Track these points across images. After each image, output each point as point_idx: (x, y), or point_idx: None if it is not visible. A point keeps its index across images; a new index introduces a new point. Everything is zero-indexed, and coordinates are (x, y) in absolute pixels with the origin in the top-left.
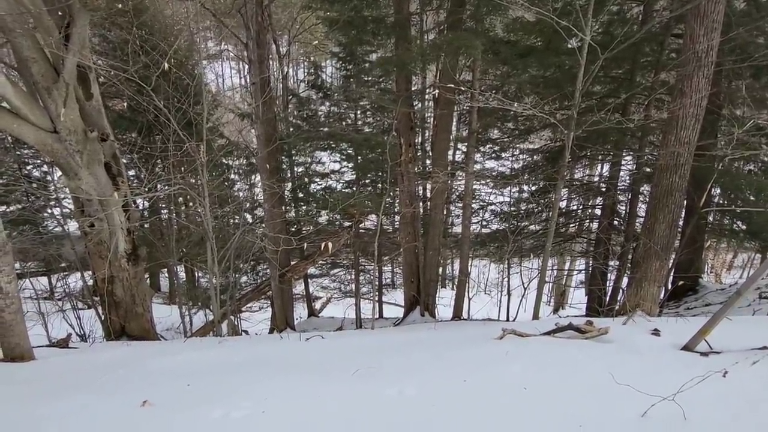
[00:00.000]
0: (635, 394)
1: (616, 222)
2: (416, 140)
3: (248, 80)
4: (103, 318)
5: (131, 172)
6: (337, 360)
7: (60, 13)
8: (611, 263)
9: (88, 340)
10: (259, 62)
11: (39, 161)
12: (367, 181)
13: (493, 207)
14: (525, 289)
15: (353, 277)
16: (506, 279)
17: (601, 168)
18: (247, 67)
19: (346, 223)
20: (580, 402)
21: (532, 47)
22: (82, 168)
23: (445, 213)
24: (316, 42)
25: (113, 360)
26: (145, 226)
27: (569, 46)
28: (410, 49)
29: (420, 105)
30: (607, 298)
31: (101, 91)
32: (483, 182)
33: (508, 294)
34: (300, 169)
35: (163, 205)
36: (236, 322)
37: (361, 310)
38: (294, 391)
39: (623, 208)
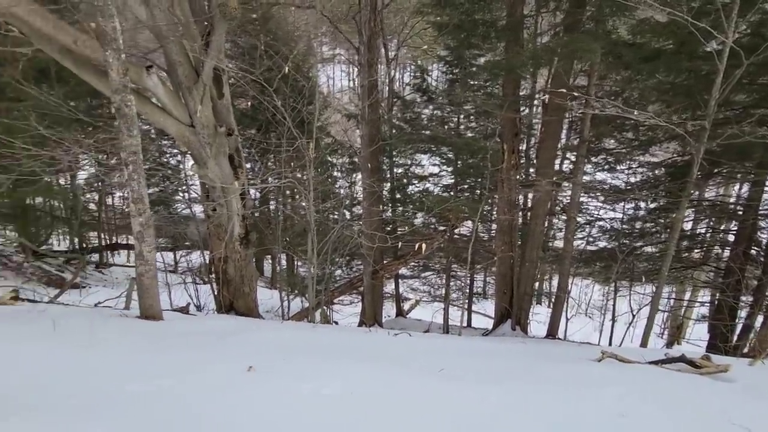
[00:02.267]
0: None
1: (753, 251)
2: (520, 147)
3: (357, 83)
4: (216, 293)
5: (248, 165)
6: (422, 358)
7: (205, 23)
8: (743, 298)
9: (202, 310)
10: (369, 66)
11: (174, 151)
12: (464, 186)
13: (602, 223)
14: (633, 316)
15: (444, 281)
16: (612, 303)
17: (739, 188)
18: (357, 70)
19: (441, 227)
20: None
21: (661, 50)
22: (210, 158)
23: (546, 225)
24: (425, 46)
25: (225, 329)
26: (256, 214)
27: (707, 49)
28: (521, 53)
29: (526, 110)
30: (735, 337)
31: (230, 91)
32: (592, 195)
33: (613, 319)
34: (399, 170)
35: (272, 197)
36: (328, 313)
37: (449, 316)
38: (380, 379)
39: (764, 235)
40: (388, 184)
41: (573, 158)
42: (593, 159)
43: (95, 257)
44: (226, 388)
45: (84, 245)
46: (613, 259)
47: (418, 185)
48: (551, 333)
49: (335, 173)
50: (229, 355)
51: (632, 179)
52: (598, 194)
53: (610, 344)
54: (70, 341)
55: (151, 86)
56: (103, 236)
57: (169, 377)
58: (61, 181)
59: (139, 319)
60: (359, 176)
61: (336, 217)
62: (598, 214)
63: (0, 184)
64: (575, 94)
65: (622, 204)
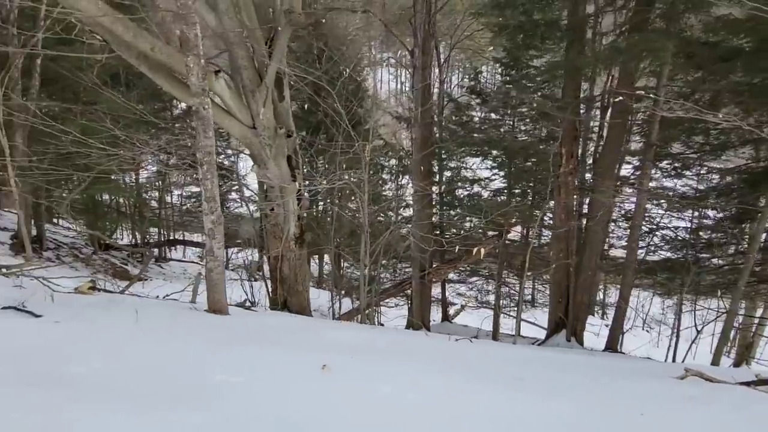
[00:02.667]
0: None
1: None
2: (579, 151)
3: (408, 85)
4: (270, 291)
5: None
6: (495, 365)
7: (270, 29)
8: None
9: (256, 306)
10: (422, 68)
11: (229, 152)
12: (516, 190)
13: (665, 231)
14: (698, 332)
15: (492, 288)
16: (677, 317)
17: None
18: (410, 72)
19: (490, 233)
20: None
21: (739, 49)
22: (269, 159)
23: (605, 232)
24: (482, 48)
25: (289, 326)
26: (313, 214)
27: None
28: (586, 53)
29: (586, 113)
30: None
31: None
32: (656, 202)
33: (677, 334)
34: (449, 174)
35: (320, 198)
36: (375, 314)
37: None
38: (458, 387)
39: None
40: (436, 188)
41: (636, 163)
42: (658, 164)
43: (155, 252)
44: (307, 385)
45: (145, 240)
46: (677, 271)
47: (467, 189)
48: (611, 346)
49: (384, 175)
50: (301, 352)
51: (701, 186)
52: (663, 201)
53: (673, 361)
54: (153, 331)
55: (219, 90)
56: (162, 232)
57: (252, 370)
58: (126, 179)
59: (207, 313)
60: (406, 179)
61: (383, 219)
62: (661, 222)
63: (82, 182)
64: (644, 94)
65: (689, 212)
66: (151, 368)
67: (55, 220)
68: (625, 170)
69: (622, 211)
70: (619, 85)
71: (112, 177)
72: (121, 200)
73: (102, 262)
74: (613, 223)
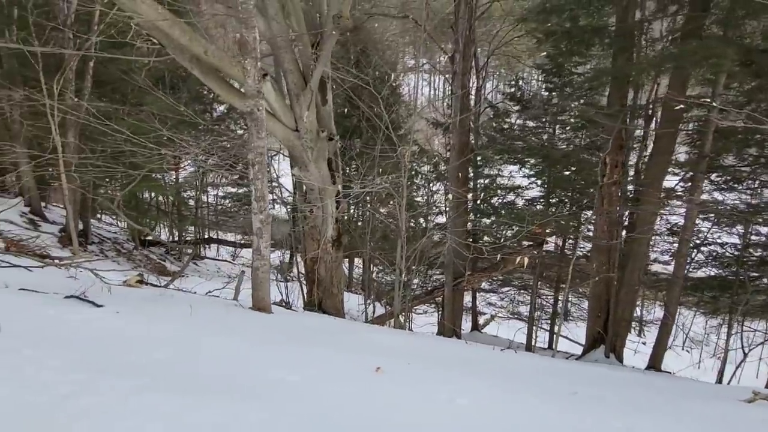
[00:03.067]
0: None
1: None
2: (625, 160)
3: (443, 91)
4: (306, 292)
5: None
6: (545, 378)
7: (317, 33)
8: None
9: (291, 306)
10: (462, 74)
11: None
12: (553, 199)
13: (713, 247)
14: (745, 354)
15: (523, 298)
16: (725, 338)
17: None
18: (446, 78)
19: (525, 242)
20: None
21: None
22: (310, 162)
23: (649, 246)
24: (520, 54)
25: (332, 327)
26: (347, 216)
27: None
28: (638, 60)
29: (631, 121)
30: None
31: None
32: (705, 216)
33: (725, 356)
34: (485, 181)
35: (351, 202)
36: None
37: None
38: (512, 398)
39: None
40: (471, 194)
41: (681, 174)
42: (708, 176)
43: (189, 250)
44: (361, 387)
45: (183, 238)
46: (725, 289)
47: (503, 197)
48: (653, 365)
49: (417, 181)
50: (352, 354)
51: (753, 201)
52: (712, 215)
53: (719, 383)
54: (207, 325)
55: (265, 92)
56: (198, 230)
57: (307, 369)
58: (167, 178)
59: (252, 310)
60: (439, 185)
61: (415, 225)
62: (709, 237)
63: (129, 179)
64: (700, 102)
65: (739, 228)
66: (210, 361)
67: (98, 216)
68: (669, 181)
69: (668, 224)
70: (669, 93)
71: (155, 175)
72: (161, 198)
73: (142, 258)
74: (657, 237)
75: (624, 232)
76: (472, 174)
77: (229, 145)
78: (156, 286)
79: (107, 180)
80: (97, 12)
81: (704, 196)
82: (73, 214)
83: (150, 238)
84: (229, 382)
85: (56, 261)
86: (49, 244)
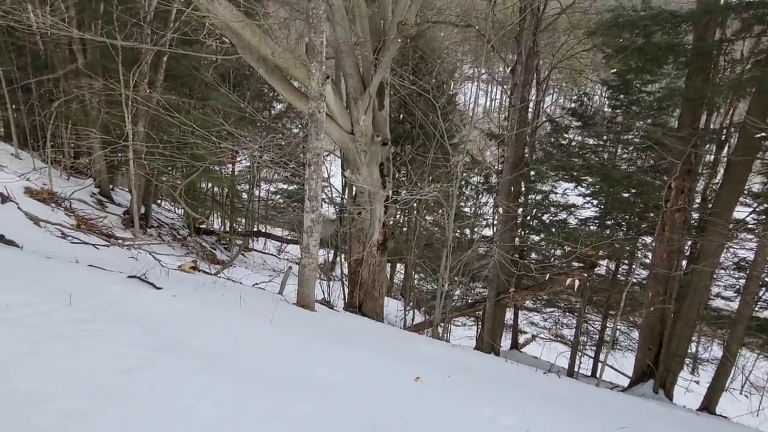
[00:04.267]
0: None
1: None
2: (692, 186)
3: (500, 102)
4: (348, 293)
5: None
6: (593, 406)
7: (379, 39)
8: None
9: (332, 306)
10: (522, 86)
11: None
12: (609, 222)
13: None
14: None
15: (568, 321)
16: None
17: None
18: (505, 89)
19: (576, 263)
20: None
21: None
22: (363, 165)
23: (711, 280)
24: (583, 68)
25: (376, 331)
26: (392, 222)
27: None
28: (710, 81)
29: (702, 146)
30: None
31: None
32: None
33: None
34: (537, 197)
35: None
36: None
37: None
38: (559, 421)
39: None
40: (521, 209)
41: (756, 206)
42: None
43: (239, 241)
44: (405, 394)
45: (234, 229)
46: None
47: (556, 214)
48: (707, 407)
49: (467, 191)
50: (392, 359)
51: None
52: None
53: None
54: (256, 316)
55: (325, 95)
56: (248, 223)
57: (351, 369)
58: (223, 171)
59: (296, 306)
60: (489, 197)
61: (460, 236)
62: None
63: (192, 169)
64: None
65: None
66: (259, 351)
67: (158, 202)
68: (739, 212)
69: (735, 258)
70: (748, 118)
71: (213, 168)
72: (216, 189)
73: (195, 245)
74: (721, 270)
75: (685, 263)
76: (524, 189)
77: (284, 143)
78: (208, 273)
79: (170, 168)
80: (174, 10)
81: None
82: (137, 198)
83: (204, 226)
84: (277, 374)
85: (120, 241)
86: (114, 224)
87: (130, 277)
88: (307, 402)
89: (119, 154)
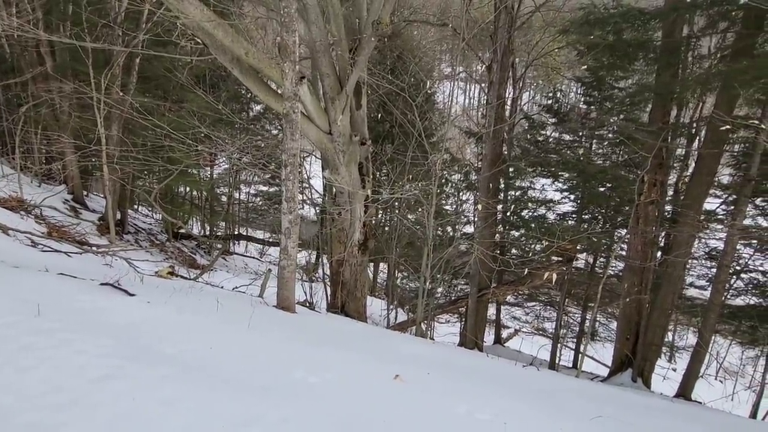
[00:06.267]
0: None
1: None
2: (664, 179)
3: (478, 100)
4: (330, 293)
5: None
6: (571, 398)
7: (354, 39)
8: None
9: (314, 307)
10: (498, 84)
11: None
12: (586, 215)
13: (754, 275)
14: None
15: (549, 314)
16: (763, 370)
17: None
18: (482, 87)
19: (555, 258)
20: None
21: None
22: (342, 165)
23: (685, 270)
24: (558, 66)
25: (357, 331)
26: (374, 222)
27: None
28: (678, 77)
29: (673, 140)
30: None
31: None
32: (746, 242)
33: (761, 389)
34: (516, 193)
35: (380, 207)
36: (429, 329)
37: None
38: (534, 416)
39: None
40: (500, 206)
41: (725, 197)
42: (753, 200)
43: (219, 245)
44: (383, 393)
45: (214, 233)
46: (765, 319)
47: (535, 210)
48: (684, 393)
49: (447, 189)
50: (372, 359)
51: None
52: (754, 241)
53: (754, 417)
54: (233, 321)
55: (301, 95)
56: (228, 226)
57: (329, 371)
58: (201, 174)
59: (276, 309)
60: (469, 194)
61: (442, 233)
62: (751, 265)
63: (167, 173)
64: (748, 122)
65: None
66: (234, 357)
67: (135, 207)
68: (710, 204)
69: (706, 248)
70: (715, 112)
71: (190, 171)
72: (195, 193)
73: (174, 250)
74: (693, 260)
75: (659, 254)
76: (503, 185)
77: (263, 145)
78: (186, 278)
79: (146, 173)
80: (146, 11)
81: (747, 221)
82: (112, 203)
83: (182, 231)
84: (252, 379)
85: (94, 248)
86: (88, 231)
87: (102, 284)
88: (284, 406)
89: (93, 159)
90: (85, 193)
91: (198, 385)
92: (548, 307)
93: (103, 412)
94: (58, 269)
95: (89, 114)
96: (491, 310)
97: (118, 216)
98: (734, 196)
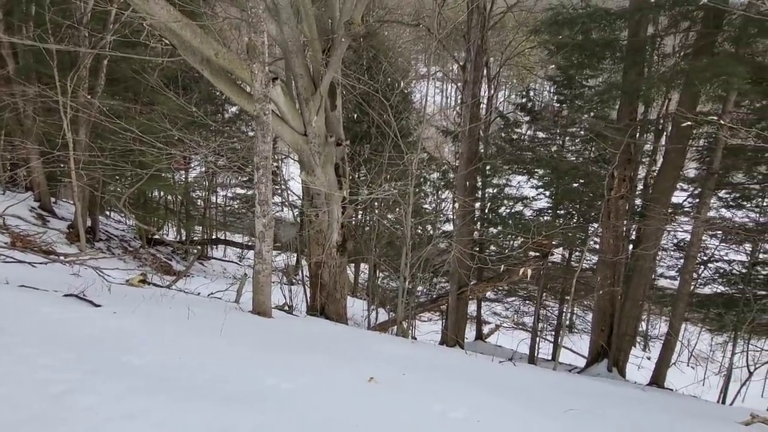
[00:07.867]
0: None
1: None
2: (633, 175)
3: (455, 100)
4: (309, 296)
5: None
6: (546, 392)
7: (327, 39)
8: None
9: (294, 310)
10: (473, 83)
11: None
12: (561, 211)
13: (719, 264)
14: (750, 373)
15: (528, 309)
16: (731, 356)
17: None
18: (458, 87)
19: (532, 253)
20: None
21: None
22: (318, 166)
23: (655, 261)
24: (532, 65)
25: (334, 334)
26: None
27: None
28: (644, 75)
29: (641, 136)
30: None
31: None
32: (712, 233)
33: (729, 374)
34: (492, 191)
35: (359, 207)
36: (409, 328)
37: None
38: (509, 412)
39: None
40: (479, 204)
41: (689, 189)
42: (717, 193)
43: (195, 250)
44: (356, 397)
45: (190, 238)
46: (731, 307)
47: (511, 207)
48: (656, 381)
49: (425, 188)
50: (348, 362)
51: (762, 219)
52: (719, 232)
53: (723, 402)
54: (205, 329)
55: (275, 96)
56: (205, 231)
57: (302, 376)
58: (176, 178)
59: (252, 314)
60: (447, 193)
61: (422, 232)
62: (715, 254)
63: (138, 178)
64: (709, 119)
65: (748, 246)
66: (205, 365)
67: (107, 213)
68: (677, 197)
69: (675, 240)
70: (679, 109)
71: (164, 175)
72: (169, 197)
73: (148, 256)
74: (663, 252)
75: (630, 247)
76: (480, 183)
77: (238, 147)
78: (159, 286)
79: (116, 178)
80: (113, 11)
81: (712, 213)
82: (82, 210)
83: (157, 236)
84: (223, 388)
85: (61, 258)
86: (56, 240)
87: (66, 295)
88: (255, 415)
89: (60, 165)
90: (53, 200)
91: (166, 396)
92: (527, 302)
93: (65, 430)
94: (21, 281)
95: (55, 118)
96: (472, 307)
97: (89, 223)
98: (699, 189)
